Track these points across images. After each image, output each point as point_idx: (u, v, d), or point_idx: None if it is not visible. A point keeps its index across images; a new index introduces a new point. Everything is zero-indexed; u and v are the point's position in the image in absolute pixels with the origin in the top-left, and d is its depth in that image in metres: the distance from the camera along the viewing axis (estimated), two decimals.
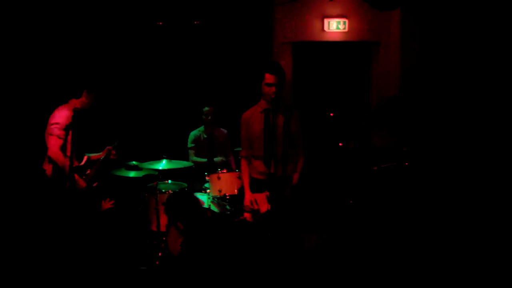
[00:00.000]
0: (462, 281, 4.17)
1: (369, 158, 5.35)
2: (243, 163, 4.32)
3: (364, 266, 4.70)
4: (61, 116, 4.39)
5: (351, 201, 6.03)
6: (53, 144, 4.35)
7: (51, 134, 4.37)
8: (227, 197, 5.09)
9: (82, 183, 4.47)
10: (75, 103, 4.51)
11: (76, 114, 4.33)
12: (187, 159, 5.97)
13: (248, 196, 4.20)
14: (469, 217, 4.79)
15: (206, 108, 6.04)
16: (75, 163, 4.52)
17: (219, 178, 5.12)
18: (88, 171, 4.60)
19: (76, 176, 4.43)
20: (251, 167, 4.27)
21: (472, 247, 4.52)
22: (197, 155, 6.08)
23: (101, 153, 4.78)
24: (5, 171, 5.33)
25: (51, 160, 4.39)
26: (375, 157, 5.29)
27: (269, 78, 4.07)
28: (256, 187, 4.18)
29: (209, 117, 6.05)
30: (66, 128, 4.38)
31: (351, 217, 5.91)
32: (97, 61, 6.27)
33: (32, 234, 4.57)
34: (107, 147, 4.81)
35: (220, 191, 5.09)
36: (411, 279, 4.33)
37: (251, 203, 4.14)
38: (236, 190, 5.04)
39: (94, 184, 4.64)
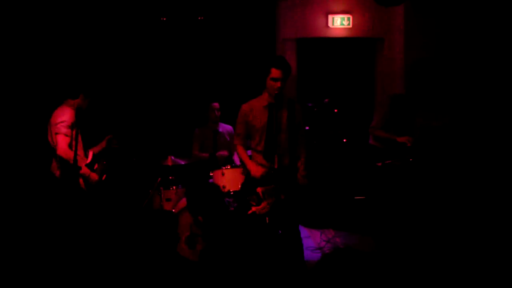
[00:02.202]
0: (466, 279, 4.17)
1: (373, 154, 5.34)
2: (240, 147, 4.39)
3: (366, 265, 4.70)
4: (65, 114, 4.41)
5: (355, 197, 6.04)
6: (61, 142, 4.35)
7: (57, 133, 4.37)
8: (231, 193, 5.10)
9: (94, 176, 4.48)
10: (71, 103, 4.51)
11: (79, 113, 4.36)
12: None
13: (254, 167, 4.23)
14: (472, 215, 4.79)
15: (212, 104, 6.07)
16: (84, 161, 4.54)
17: (223, 174, 5.12)
18: (96, 166, 4.61)
19: (88, 171, 4.44)
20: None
21: (476, 245, 4.51)
22: (200, 150, 6.09)
23: (102, 143, 4.79)
24: (15, 174, 5.38)
25: (61, 160, 4.39)
26: (378, 153, 5.28)
27: (275, 72, 4.08)
28: (260, 180, 4.18)
29: (215, 113, 6.07)
30: (72, 126, 4.40)
31: (355, 213, 5.92)
32: (99, 57, 6.28)
33: (43, 233, 4.59)
34: (107, 136, 4.81)
35: (224, 187, 5.09)
36: (415, 277, 4.33)
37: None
38: (240, 186, 5.05)
39: (103, 177, 4.63)
